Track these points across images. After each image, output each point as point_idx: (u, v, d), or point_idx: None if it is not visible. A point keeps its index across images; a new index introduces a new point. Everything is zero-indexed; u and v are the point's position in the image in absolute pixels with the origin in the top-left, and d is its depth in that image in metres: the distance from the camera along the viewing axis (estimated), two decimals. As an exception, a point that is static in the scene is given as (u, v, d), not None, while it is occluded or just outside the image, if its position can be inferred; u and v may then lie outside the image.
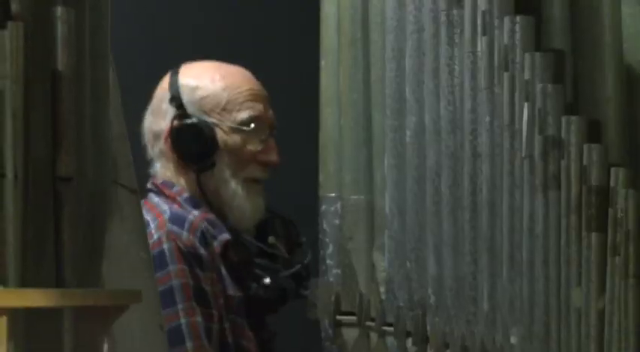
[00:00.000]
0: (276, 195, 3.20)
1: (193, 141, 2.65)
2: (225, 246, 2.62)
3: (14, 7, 1.65)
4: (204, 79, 2.72)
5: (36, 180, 1.70)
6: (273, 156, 2.66)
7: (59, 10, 1.73)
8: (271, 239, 2.69)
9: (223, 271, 2.60)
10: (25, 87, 1.65)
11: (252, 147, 2.65)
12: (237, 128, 2.64)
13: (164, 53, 2.91)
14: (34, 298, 1.61)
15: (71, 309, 1.72)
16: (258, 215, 2.68)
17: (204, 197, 2.66)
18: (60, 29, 1.72)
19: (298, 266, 2.62)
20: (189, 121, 2.65)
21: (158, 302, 2.24)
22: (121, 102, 2.11)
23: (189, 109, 2.67)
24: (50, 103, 1.72)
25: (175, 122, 2.65)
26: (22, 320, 1.69)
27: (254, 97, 2.69)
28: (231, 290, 2.60)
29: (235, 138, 2.65)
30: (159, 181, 2.68)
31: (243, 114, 2.65)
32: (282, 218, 2.75)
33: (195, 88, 2.69)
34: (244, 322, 2.63)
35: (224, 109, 2.67)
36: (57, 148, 1.71)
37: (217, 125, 2.65)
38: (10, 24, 1.62)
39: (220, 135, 2.64)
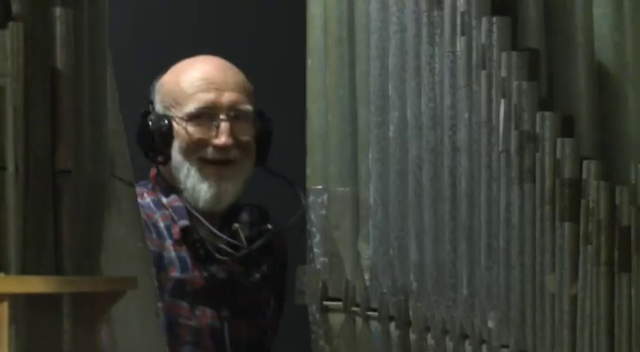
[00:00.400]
0: (265, 187, 3.19)
1: (148, 138, 2.71)
2: (183, 230, 2.66)
3: (15, 7, 1.65)
4: (170, 76, 2.76)
5: (36, 172, 1.69)
6: (221, 139, 2.68)
7: (58, 11, 1.72)
8: (235, 226, 2.71)
9: (172, 254, 2.65)
10: (25, 84, 1.64)
11: (203, 134, 2.69)
12: (188, 119, 2.67)
13: (159, 53, 2.91)
14: (34, 284, 1.61)
15: (70, 295, 1.72)
16: (218, 197, 2.69)
17: (172, 186, 2.68)
18: (59, 29, 1.71)
19: (245, 251, 2.64)
20: (145, 119, 2.72)
21: (153, 290, 2.24)
22: (118, 100, 2.10)
23: (157, 106, 2.73)
24: (50, 100, 1.72)
25: (139, 120, 2.71)
26: (22, 305, 1.68)
27: (206, 88, 2.72)
28: (177, 273, 2.65)
29: (187, 128, 2.68)
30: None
31: (190, 107, 2.68)
32: (252, 206, 2.76)
33: (161, 85, 2.74)
34: (187, 303, 2.67)
35: (177, 103, 2.71)
36: (56, 142, 1.71)
37: (173, 118, 2.69)
38: (10, 24, 1.61)
39: (175, 127, 2.68)
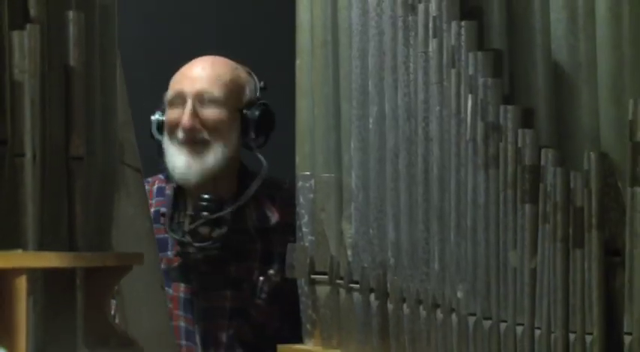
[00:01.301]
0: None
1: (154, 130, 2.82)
2: (163, 215, 2.72)
3: (32, 11, 1.64)
4: None
5: (51, 159, 1.69)
6: (183, 120, 2.77)
7: (71, 14, 1.71)
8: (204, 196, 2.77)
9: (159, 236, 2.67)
10: (41, 80, 1.63)
11: (175, 116, 2.79)
12: (167, 106, 2.80)
13: (162, 52, 2.91)
14: (50, 260, 1.59)
15: (82, 269, 1.71)
16: (188, 171, 2.75)
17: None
18: (72, 30, 1.71)
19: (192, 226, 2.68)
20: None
21: (159, 265, 2.23)
22: (127, 93, 2.09)
23: None
24: (64, 94, 1.71)
25: None
26: (39, 278, 1.67)
27: (182, 77, 2.82)
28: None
29: (167, 114, 2.80)
30: None
31: (168, 95, 2.81)
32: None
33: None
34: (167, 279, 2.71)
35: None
36: (69, 132, 1.70)
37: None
38: (28, 26, 1.60)
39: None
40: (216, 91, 2.78)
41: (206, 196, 2.77)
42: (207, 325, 2.79)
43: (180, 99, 2.76)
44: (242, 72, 2.94)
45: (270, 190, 2.92)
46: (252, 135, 2.86)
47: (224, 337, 2.78)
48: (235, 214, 2.85)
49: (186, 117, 2.73)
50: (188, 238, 2.72)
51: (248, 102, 2.83)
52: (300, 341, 2.70)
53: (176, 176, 2.76)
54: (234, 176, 2.93)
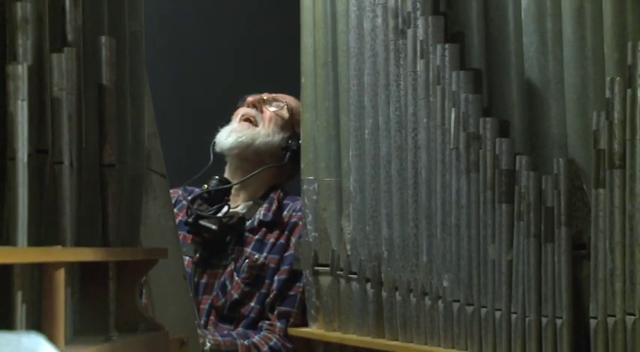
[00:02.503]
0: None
1: None
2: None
3: (69, 36, 1.62)
4: None
5: (87, 166, 1.67)
6: (250, 105, 2.89)
7: (104, 39, 1.69)
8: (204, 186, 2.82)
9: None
10: (77, 96, 1.61)
11: (240, 111, 2.92)
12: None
13: (185, 71, 2.89)
14: (86, 254, 1.57)
15: (114, 263, 1.69)
16: (235, 143, 2.82)
17: None
18: (104, 53, 1.69)
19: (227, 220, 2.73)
20: None
21: (181, 258, 2.21)
22: (153, 108, 2.07)
23: None
24: (97, 109, 1.69)
25: None
26: (76, 271, 1.65)
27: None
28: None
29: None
30: None
31: None
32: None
33: None
34: (191, 261, 2.78)
35: None
36: (102, 142, 1.68)
37: None
38: (66, 49, 1.58)
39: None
40: (285, 107, 2.90)
41: (217, 177, 2.80)
42: (198, 299, 2.77)
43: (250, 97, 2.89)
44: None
45: (286, 200, 2.88)
46: (291, 167, 2.86)
47: (206, 306, 2.77)
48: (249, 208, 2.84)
49: (254, 97, 2.87)
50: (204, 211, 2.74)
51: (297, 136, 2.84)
52: (266, 319, 2.70)
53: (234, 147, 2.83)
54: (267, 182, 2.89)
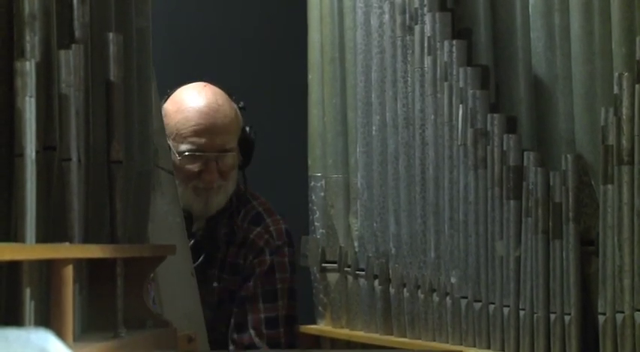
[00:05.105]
0: (277, 175, 3.17)
1: None
2: None
3: (77, 33, 1.62)
4: (170, 106, 2.59)
5: (94, 163, 1.67)
6: (207, 177, 2.54)
7: (111, 36, 1.70)
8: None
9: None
10: (85, 93, 1.62)
11: (194, 169, 2.54)
12: (181, 156, 2.53)
13: (192, 67, 2.89)
14: (93, 251, 1.58)
15: (122, 259, 1.69)
16: (203, 212, 2.59)
17: None
18: (112, 49, 1.69)
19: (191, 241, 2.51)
20: None
21: (189, 255, 2.21)
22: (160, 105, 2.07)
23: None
24: (105, 105, 1.69)
25: None
26: (84, 268, 1.65)
27: (196, 133, 2.54)
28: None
29: (180, 161, 2.53)
30: None
31: (183, 147, 2.53)
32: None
33: (164, 111, 2.55)
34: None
35: (174, 139, 2.55)
36: (110, 139, 1.68)
37: (172, 148, 2.54)
38: (73, 46, 1.58)
39: (172, 156, 2.51)
40: (232, 140, 2.58)
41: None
42: None
43: (200, 153, 2.52)
44: (231, 101, 2.66)
45: (239, 204, 2.76)
46: (247, 159, 2.70)
47: None
48: (208, 224, 2.70)
49: (210, 174, 2.55)
50: None
51: (242, 131, 2.68)
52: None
53: (195, 215, 2.61)
54: None
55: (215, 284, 2.62)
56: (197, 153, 2.54)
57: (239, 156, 2.62)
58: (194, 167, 2.53)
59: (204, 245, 2.60)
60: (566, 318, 2.06)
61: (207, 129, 2.55)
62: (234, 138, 2.60)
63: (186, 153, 2.53)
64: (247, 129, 2.64)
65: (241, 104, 2.64)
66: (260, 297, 2.58)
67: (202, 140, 2.55)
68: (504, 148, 2.18)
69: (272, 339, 2.56)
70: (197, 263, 2.50)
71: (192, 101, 2.58)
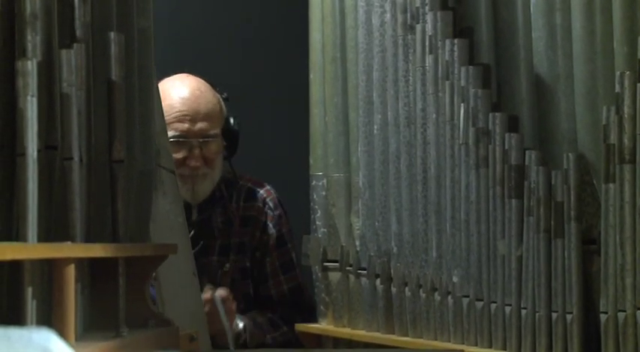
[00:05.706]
0: (278, 174, 3.17)
1: None
2: None
3: (78, 32, 1.62)
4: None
5: (96, 162, 1.67)
6: (191, 163, 2.65)
7: (112, 35, 1.70)
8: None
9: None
10: (86, 92, 1.62)
11: (179, 155, 2.63)
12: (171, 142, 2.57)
13: (193, 67, 2.88)
14: (95, 250, 1.58)
15: (123, 259, 1.69)
16: (190, 200, 2.69)
17: None
18: (113, 49, 1.69)
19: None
20: None
21: (191, 254, 2.21)
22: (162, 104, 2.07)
23: None
24: (106, 105, 1.69)
25: None
26: (86, 267, 1.65)
27: (179, 119, 2.65)
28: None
29: (172, 147, 2.53)
30: None
31: (170, 133, 2.58)
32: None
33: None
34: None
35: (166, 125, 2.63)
36: (112, 138, 1.69)
37: None
38: (75, 45, 1.58)
39: None
40: (215, 126, 2.67)
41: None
42: None
43: (184, 139, 2.62)
44: (214, 91, 2.76)
45: (228, 189, 2.81)
46: (232, 149, 2.77)
47: None
48: (201, 212, 2.75)
49: (194, 161, 2.61)
50: None
51: (226, 121, 2.74)
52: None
53: (187, 200, 2.64)
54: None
55: (227, 265, 2.73)
56: (180, 139, 2.66)
57: (224, 146, 2.71)
58: (179, 154, 2.65)
59: (201, 234, 2.70)
60: (568, 317, 2.06)
61: (190, 116, 2.65)
62: (217, 125, 2.70)
63: (171, 140, 2.58)
64: (232, 119, 2.72)
65: (225, 95, 2.73)
66: (279, 271, 2.78)
67: (185, 126, 2.65)
68: (506, 147, 2.18)
69: (295, 303, 2.79)
70: (195, 250, 2.56)
71: (174, 90, 2.70)
